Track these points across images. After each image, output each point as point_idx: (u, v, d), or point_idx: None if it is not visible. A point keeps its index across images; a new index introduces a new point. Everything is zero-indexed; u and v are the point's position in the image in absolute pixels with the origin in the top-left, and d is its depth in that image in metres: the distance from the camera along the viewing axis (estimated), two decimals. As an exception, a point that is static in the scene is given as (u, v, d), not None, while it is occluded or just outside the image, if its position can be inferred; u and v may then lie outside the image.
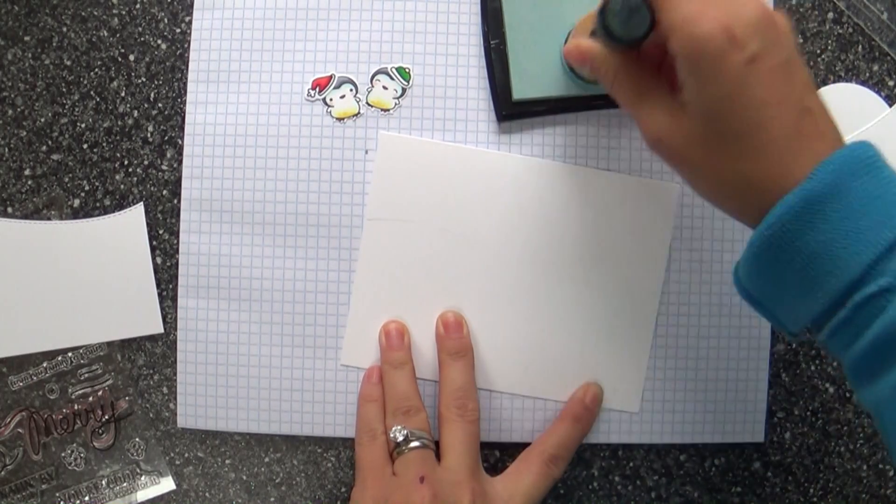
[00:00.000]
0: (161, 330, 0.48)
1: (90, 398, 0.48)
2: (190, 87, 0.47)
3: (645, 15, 0.34)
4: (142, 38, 0.48)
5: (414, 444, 0.42)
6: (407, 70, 0.47)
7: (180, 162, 0.48)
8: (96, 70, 0.48)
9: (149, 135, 0.48)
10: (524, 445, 0.45)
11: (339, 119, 0.47)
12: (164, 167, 0.48)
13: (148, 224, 0.48)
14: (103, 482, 0.48)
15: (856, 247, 0.30)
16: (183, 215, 0.47)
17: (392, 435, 0.43)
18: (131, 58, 0.48)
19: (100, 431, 0.48)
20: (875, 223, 0.30)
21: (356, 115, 0.47)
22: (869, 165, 0.31)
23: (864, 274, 0.30)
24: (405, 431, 0.42)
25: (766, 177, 0.32)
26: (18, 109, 0.48)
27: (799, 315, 0.33)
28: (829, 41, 0.48)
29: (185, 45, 0.48)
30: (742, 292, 0.36)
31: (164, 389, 0.48)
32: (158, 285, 0.48)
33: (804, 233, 0.31)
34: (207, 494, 0.48)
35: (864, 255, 0.30)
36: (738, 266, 0.35)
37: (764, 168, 0.32)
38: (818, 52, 0.48)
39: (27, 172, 0.48)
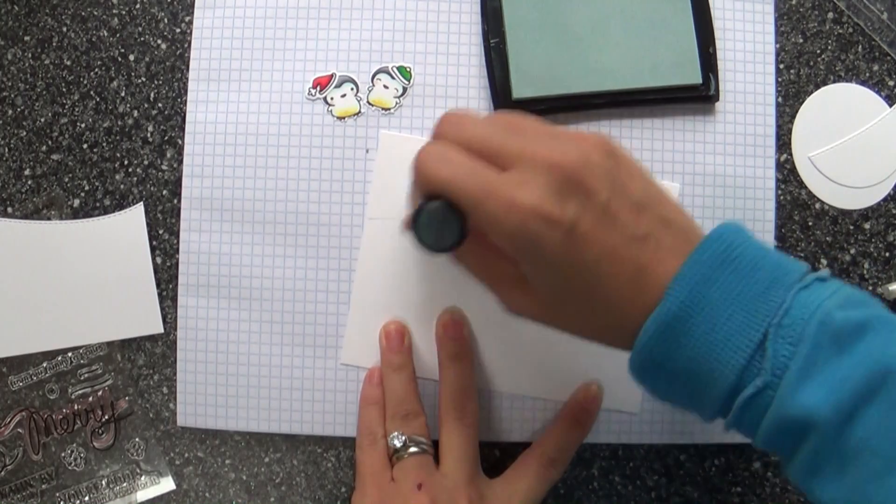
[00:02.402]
0: (161, 330, 0.48)
1: (90, 398, 0.48)
2: (191, 85, 0.47)
3: (454, 223, 0.33)
4: (142, 38, 0.48)
5: (412, 449, 0.42)
6: (408, 69, 0.47)
7: (180, 162, 0.48)
8: (96, 70, 0.48)
9: (149, 135, 0.48)
10: (524, 445, 0.45)
11: (340, 118, 0.47)
12: (164, 167, 0.48)
13: (148, 224, 0.48)
14: (103, 482, 0.47)
15: (725, 355, 0.30)
16: (183, 214, 0.47)
17: (390, 441, 0.43)
18: (131, 58, 0.48)
19: (100, 431, 0.47)
20: (740, 326, 0.30)
21: (357, 114, 0.47)
22: (723, 262, 0.31)
23: (740, 379, 0.30)
24: (402, 437, 0.42)
25: (624, 317, 0.32)
26: (18, 109, 0.48)
27: (701, 413, 0.33)
28: (829, 41, 0.48)
29: (185, 45, 0.48)
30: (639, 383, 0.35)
31: (164, 389, 0.48)
32: (158, 285, 0.48)
33: (673, 353, 0.31)
34: (207, 494, 0.48)
35: (735, 361, 0.30)
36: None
37: (619, 311, 0.32)
38: (818, 52, 0.48)
39: (27, 172, 0.48)
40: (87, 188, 0.48)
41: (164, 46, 0.48)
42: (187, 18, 0.48)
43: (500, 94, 0.46)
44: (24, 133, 0.48)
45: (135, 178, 0.48)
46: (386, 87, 0.47)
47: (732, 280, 0.30)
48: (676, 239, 0.32)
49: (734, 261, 0.31)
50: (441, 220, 0.33)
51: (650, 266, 0.31)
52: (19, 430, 0.47)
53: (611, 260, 0.31)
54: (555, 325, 0.35)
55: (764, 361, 0.30)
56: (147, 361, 0.48)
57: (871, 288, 0.48)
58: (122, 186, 0.48)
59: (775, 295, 0.30)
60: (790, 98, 0.48)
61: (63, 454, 0.47)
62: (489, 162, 0.32)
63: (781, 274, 0.31)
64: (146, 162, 0.48)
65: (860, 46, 0.49)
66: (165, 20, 0.48)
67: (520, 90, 0.46)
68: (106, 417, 0.47)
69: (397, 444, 0.42)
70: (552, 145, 0.32)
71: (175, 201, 0.48)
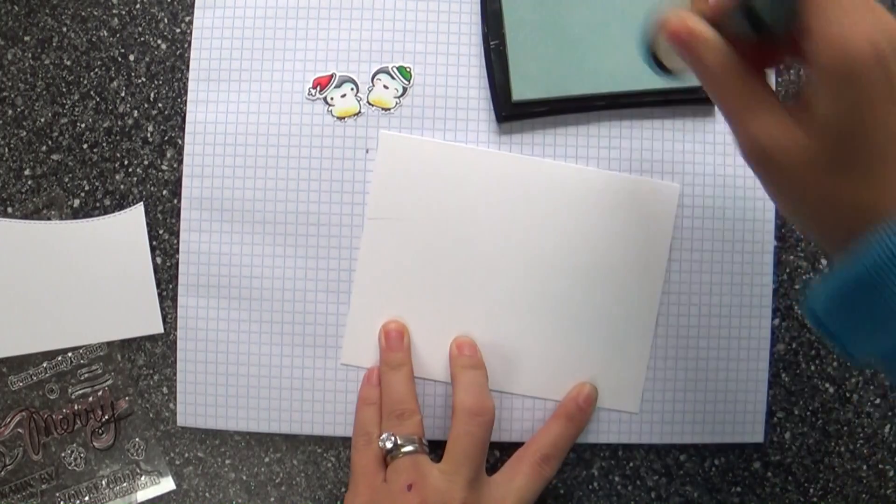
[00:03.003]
0: (161, 330, 0.48)
1: (90, 398, 0.48)
2: (191, 85, 0.47)
3: (793, 5, 0.30)
4: (142, 38, 0.48)
5: (406, 448, 0.42)
6: (408, 69, 0.47)
7: (180, 162, 0.48)
8: (96, 70, 0.48)
9: (149, 135, 0.48)
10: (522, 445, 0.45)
11: (340, 118, 0.47)
12: (164, 167, 0.48)
13: (148, 224, 0.48)
14: (103, 482, 0.47)
15: None
16: (183, 214, 0.47)
17: (381, 443, 0.42)
18: (131, 58, 0.48)
19: (100, 431, 0.48)
20: None
21: (357, 114, 0.47)
22: None
23: None
24: (393, 438, 0.42)
25: (881, 208, 0.29)
26: (18, 109, 0.48)
27: (872, 347, 0.31)
28: (829, 42, 0.48)
29: (185, 45, 0.48)
30: (814, 320, 0.33)
31: (164, 389, 0.48)
32: (158, 285, 0.48)
33: None
34: (207, 494, 0.48)
35: None
36: (814, 295, 0.32)
37: (881, 199, 0.29)
38: (818, 52, 0.48)
39: (27, 172, 0.48)
40: (87, 188, 0.48)
41: (164, 46, 0.48)
42: (187, 18, 0.48)
43: (500, 96, 0.46)
44: (24, 133, 0.48)
45: (135, 178, 0.48)
46: (386, 87, 0.47)
47: None
48: None
49: None
50: None
51: None
52: (19, 430, 0.47)
53: None
54: (791, 186, 0.32)
55: None
56: (147, 361, 0.48)
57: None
58: (122, 186, 0.48)
59: None
60: (790, 98, 0.48)
61: (63, 454, 0.47)
62: None
63: None
64: (146, 162, 0.48)
65: (860, 47, 0.48)
66: (165, 20, 0.48)
67: (520, 92, 0.46)
68: (106, 417, 0.48)
69: (388, 445, 0.42)
70: None
71: (175, 201, 0.48)
